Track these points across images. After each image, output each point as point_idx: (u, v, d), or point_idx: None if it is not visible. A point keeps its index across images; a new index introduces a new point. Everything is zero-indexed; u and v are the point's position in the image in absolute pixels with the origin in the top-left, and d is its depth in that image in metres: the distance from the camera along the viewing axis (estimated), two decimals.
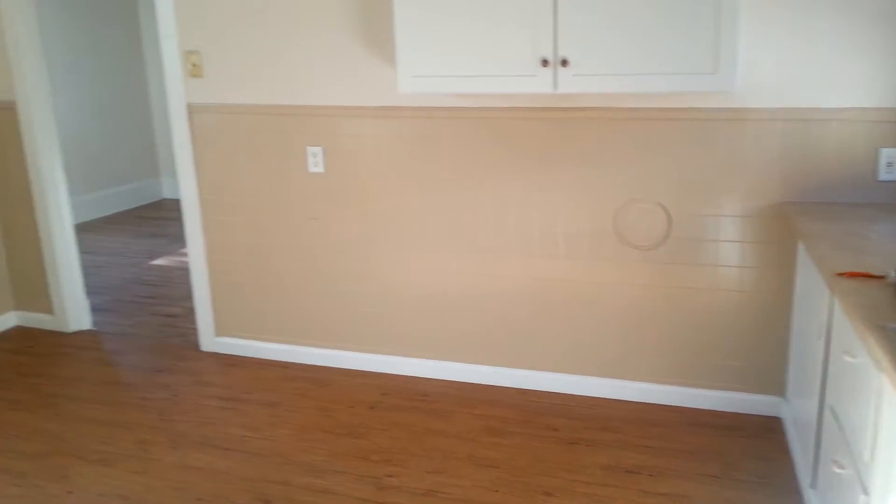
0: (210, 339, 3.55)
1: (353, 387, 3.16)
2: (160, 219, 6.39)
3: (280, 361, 3.42)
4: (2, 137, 3.59)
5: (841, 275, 1.81)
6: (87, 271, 4.87)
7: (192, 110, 3.27)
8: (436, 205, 3.05)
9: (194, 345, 3.60)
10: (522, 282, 3.02)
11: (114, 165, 6.73)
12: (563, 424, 2.80)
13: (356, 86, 3.02)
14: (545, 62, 2.48)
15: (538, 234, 2.95)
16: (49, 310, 3.80)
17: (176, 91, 3.26)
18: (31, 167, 3.57)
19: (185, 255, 4.84)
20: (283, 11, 3.03)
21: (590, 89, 2.49)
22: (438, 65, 2.61)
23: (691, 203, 2.73)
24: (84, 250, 5.40)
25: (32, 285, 3.79)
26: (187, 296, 4.11)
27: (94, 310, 4.10)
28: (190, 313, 3.88)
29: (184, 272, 4.55)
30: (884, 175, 2.53)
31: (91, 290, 4.46)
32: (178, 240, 5.53)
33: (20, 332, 3.81)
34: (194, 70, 3.22)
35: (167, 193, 7.13)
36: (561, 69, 2.47)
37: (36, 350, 3.58)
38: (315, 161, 3.15)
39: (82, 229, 6.09)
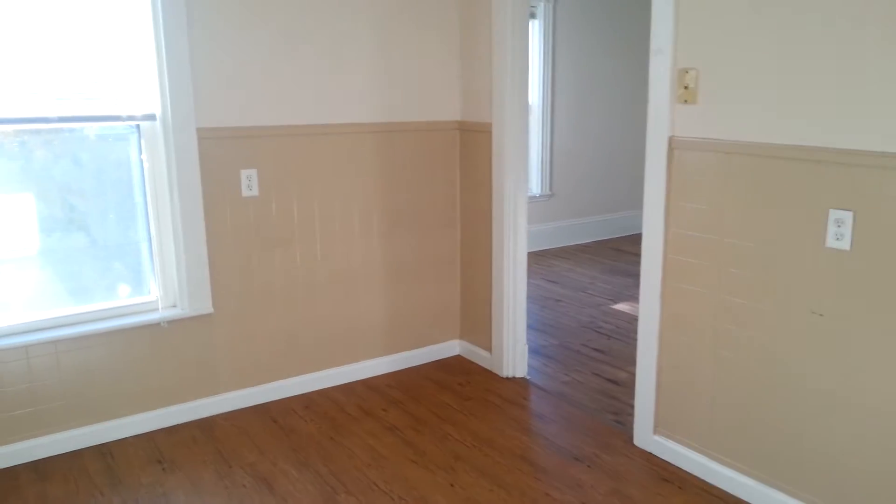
0: (646, 434, 2.78)
1: None
2: (637, 255, 5.84)
3: (734, 497, 2.45)
4: (475, 160, 3.41)
5: None
6: (545, 304, 4.58)
7: (674, 145, 2.53)
8: None
9: (628, 432, 2.89)
10: None
11: (602, 192, 6.46)
12: None
13: None
14: None
15: None
16: (488, 346, 3.52)
17: (658, 119, 2.56)
18: (496, 193, 3.30)
19: None
20: (818, 9, 2.05)
21: None
22: None
23: None
24: (550, 279, 5.18)
25: (477, 318, 3.55)
26: None
27: (536, 353, 3.72)
28: (634, 384, 3.18)
29: None
30: None
31: (542, 327, 4.13)
32: None
33: (459, 364, 3.61)
34: (686, 94, 2.47)
35: None
36: None
37: (464, 391, 3.31)
38: (839, 232, 2.10)
39: (556, 255, 5.94)
